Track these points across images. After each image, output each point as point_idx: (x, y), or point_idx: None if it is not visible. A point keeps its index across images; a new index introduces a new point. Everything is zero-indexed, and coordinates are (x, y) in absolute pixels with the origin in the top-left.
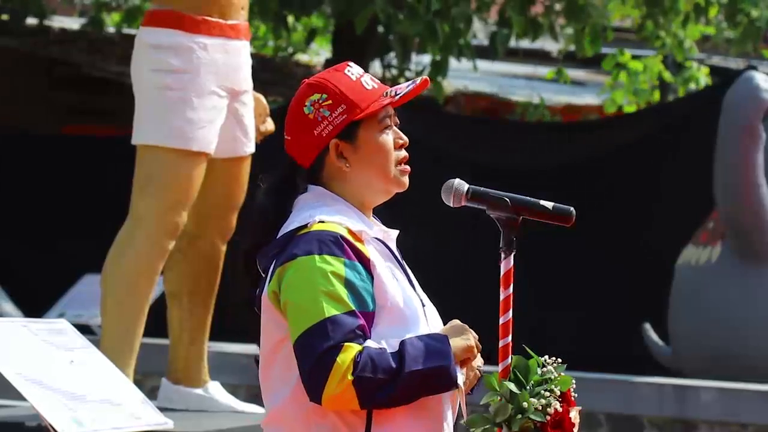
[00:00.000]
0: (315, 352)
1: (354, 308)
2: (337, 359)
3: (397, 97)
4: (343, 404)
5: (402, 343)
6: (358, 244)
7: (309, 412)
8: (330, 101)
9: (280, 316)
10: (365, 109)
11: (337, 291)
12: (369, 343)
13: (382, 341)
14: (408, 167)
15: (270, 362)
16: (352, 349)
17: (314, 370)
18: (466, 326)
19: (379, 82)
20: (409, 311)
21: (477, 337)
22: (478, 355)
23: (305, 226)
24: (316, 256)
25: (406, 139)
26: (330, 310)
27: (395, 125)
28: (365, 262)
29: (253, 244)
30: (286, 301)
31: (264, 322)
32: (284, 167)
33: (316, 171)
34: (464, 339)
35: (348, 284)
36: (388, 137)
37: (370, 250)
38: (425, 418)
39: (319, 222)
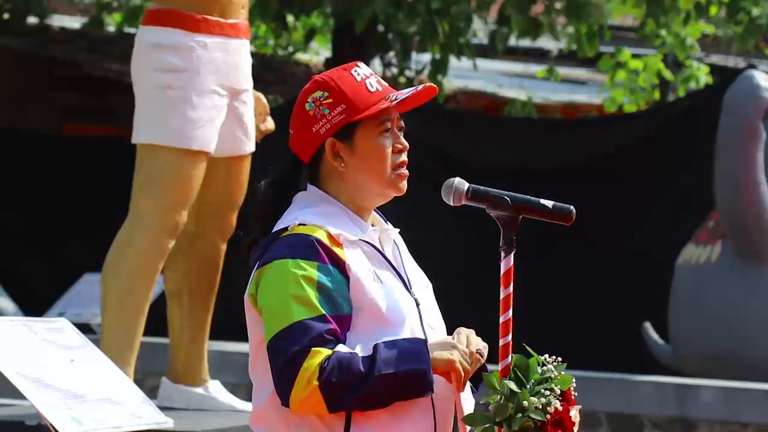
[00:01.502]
0: (283, 356)
1: (324, 312)
2: (304, 364)
3: (396, 101)
4: (310, 408)
5: (375, 347)
6: (334, 248)
7: (288, 411)
8: (330, 99)
9: (259, 318)
10: (364, 111)
11: (308, 295)
12: (340, 347)
13: (357, 346)
14: (406, 172)
15: (254, 361)
16: (319, 354)
17: (282, 374)
18: (462, 341)
19: (386, 84)
20: (391, 313)
21: (484, 345)
22: (479, 341)
23: (287, 228)
24: (289, 261)
25: (406, 143)
26: (299, 315)
27: (399, 129)
28: (340, 266)
29: (253, 239)
30: (261, 305)
31: (247, 322)
32: (287, 162)
33: (315, 168)
34: (448, 352)
35: (320, 288)
36: (387, 141)
37: (347, 253)
38: (410, 419)
39: (299, 225)
